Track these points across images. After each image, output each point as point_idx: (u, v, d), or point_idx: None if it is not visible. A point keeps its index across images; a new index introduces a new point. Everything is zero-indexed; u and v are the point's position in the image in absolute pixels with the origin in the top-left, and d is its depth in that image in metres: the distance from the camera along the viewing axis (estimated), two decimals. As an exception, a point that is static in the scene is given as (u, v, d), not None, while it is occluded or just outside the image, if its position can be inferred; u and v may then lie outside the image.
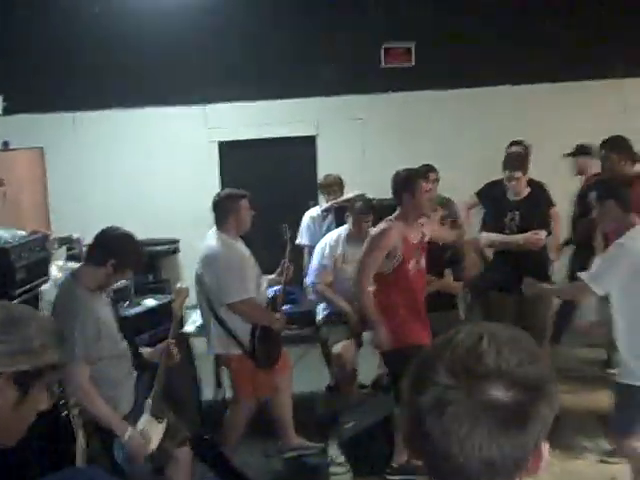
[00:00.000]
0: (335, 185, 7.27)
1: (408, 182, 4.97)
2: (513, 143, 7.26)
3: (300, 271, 6.70)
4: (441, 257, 6.01)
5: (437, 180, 6.98)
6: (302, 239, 7.08)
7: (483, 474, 1.16)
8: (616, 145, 6.10)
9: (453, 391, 1.16)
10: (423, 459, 1.21)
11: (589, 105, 8.95)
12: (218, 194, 5.34)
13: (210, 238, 5.11)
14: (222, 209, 5.12)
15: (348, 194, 7.03)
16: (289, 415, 5.43)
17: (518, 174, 6.00)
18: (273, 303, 5.33)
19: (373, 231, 5.09)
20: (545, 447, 1.23)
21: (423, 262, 5.08)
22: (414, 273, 4.98)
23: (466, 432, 1.14)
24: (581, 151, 7.13)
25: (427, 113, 9.10)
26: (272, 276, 5.56)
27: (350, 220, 6.16)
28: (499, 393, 1.15)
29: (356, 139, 9.12)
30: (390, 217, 4.93)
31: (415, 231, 5.01)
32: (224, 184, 8.50)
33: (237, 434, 5.21)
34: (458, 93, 9.09)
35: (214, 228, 5.16)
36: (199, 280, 5.09)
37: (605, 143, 6.21)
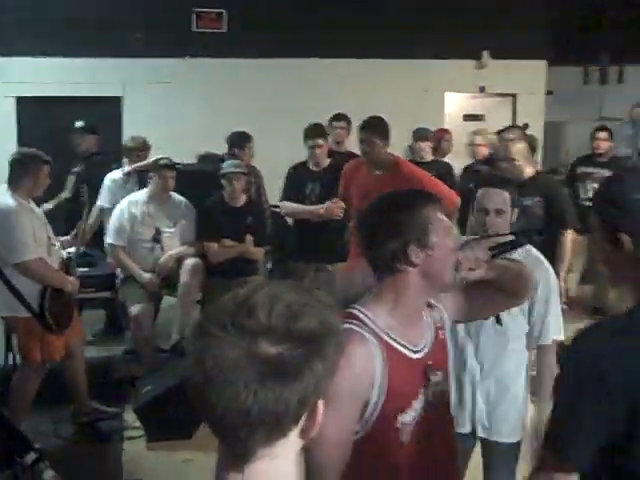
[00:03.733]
0: (140, 148, 7.13)
1: (406, 212, 2.24)
2: (336, 117, 7.24)
3: (101, 233, 6.57)
4: (241, 222, 6.06)
5: (251, 147, 7.01)
6: (102, 201, 6.92)
7: (241, 426, 1.17)
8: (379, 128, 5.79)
9: (217, 341, 1.17)
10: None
11: (389, 85, 9.32)
12: (19, 152, 5.08)
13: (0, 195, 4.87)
14: (20, 168, 4.89)
15: (152, 158, 6.94)
16: (82, 380, 5.31)
17: (320, 141, 6.16)
18: (66, 265, 5.14)
19: None
20: (320, 408, 1.24)
21: (446, 395, 2.38)
22: (414, 432, 2.21)
23: (223, 382, 1.15)
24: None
25: (238, 81, 9.12)
26: (68, 237, 5.41)
27: (153, 179, 6.08)
28: (263, 346, 1.16)
29: (163, 103, 9.00)
30: (356, 306, 2.23)
31: (419, 326, 2.29)
32: (22, 141, 8.15)
33: (26, 400, 5.02)
34: (273, 62, 9.17)
35: (5, 185, 4.92)
36: None
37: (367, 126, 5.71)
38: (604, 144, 7.37)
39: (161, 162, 6.11)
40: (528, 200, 5.28)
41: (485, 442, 3.33)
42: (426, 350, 2.23)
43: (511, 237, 2.89)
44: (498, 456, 3.33)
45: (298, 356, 1.17)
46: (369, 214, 2.24)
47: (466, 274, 2.28)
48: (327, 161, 6.25)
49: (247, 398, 1.15)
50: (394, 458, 2.17)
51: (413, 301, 2.20)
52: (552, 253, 5.26)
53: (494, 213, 3.26)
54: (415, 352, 2.20)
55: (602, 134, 7.42)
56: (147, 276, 5.95)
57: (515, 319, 3.19)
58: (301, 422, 1.23)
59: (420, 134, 7.48)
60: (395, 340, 2.15)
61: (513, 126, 7.85)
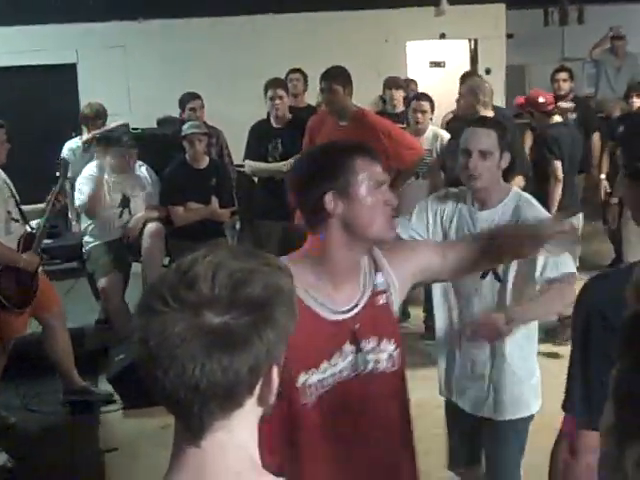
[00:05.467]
0: (97, 115, 6.99)
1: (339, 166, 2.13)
2: (292, 71, 7.28)
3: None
4: (206, 183, 5.98)
5: (202, 107, 6.91)
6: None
7: (192, 401, 1.14)
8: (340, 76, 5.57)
9: (160, 316, 1.14)
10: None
11: (350, 36, 9.21)
12: None
13: None
14: None
15: (111, 124, 6.80)
16: (65, 356, 5.20)
17: (280, 91, 6.09)
18: (27, 240, 4.95)
19: None
20: (275, 374, 1.21)
21: (382, 363, 2.18)
22: (326, 398, 2.11)
23: (169, 357, 1.12)
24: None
25: (193, 41, 8.95)
26: (43, 205, 5.24)
27: (114, 153, 5.94)
28: (208, 317, 1.13)
29: (119, 67, 8.82)
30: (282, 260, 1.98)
31: (349, 287, 2.15)
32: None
33: None
34: (228, 20, 9.02)
35: None
36: None
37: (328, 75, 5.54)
38: (565, 84, 7.32)
39: (123, 139, 5.95)
40: None
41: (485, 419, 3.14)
42: (354, 313, 2.10)
43: None
44: (497, 433, 3.13)
45: (245, 324, 1.13)
46: (299, 162, 2.21)
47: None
48: (288, 116, 6.17)
49: (194, 372, 1.11)
50: (296, 420, 2.05)
51: (339, 257, 2.07)
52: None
53: (477, 154, 2.94)
54: (336, 313, 2.08)
55: (562, 74, 7.37)
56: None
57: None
58: (257, 390, 1.20)
59: (393, 82, 7.34)
60: (313, 298, 2.05)
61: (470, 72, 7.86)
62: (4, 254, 4.76)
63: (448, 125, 6.87)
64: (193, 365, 1.11)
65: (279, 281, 1.21)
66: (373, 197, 2.03)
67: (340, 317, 2.07)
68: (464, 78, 7.72)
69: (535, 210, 2.98)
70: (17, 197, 5.00)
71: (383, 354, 2.15)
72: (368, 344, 2.11)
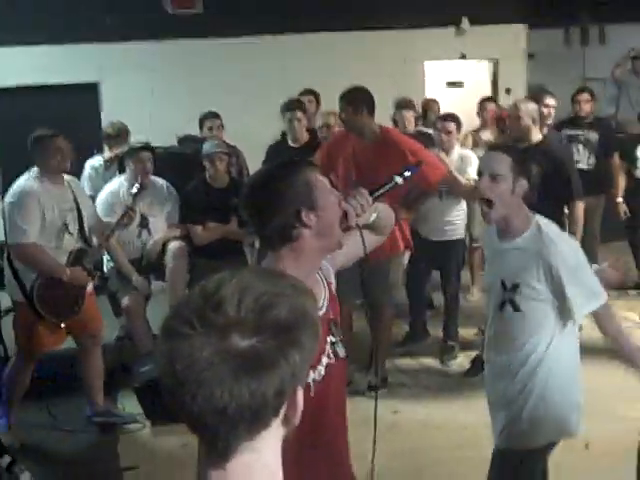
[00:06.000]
0: (119, 134, 7.05)
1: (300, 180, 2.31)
2: (304, 92, 7.33)
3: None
4: (225, 203, 5.99)
5: (221, 126, 6.96)
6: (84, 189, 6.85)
7: (220, 424, 1.14)
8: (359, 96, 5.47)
9: (186, 340, 1.13)
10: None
11: (369, 55, 9.25)
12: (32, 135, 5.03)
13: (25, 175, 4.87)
14: (32, 149, 4.85)
15: (133, 143, 6.86)
16: (95, 378, 5.20)
17: (299, 114, 6.12)
18: (76, 256, 4.95)
19: None
20: (300, 395, 1.22)
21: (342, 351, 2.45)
22: (323, 387, 2.31)
23: (196, 382, 1.12)
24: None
25: (216, 60, 9.04)
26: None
27: (130, 164, 5.98)
28: (235, 341, 1.12)
29: (142, 87, 8.91)
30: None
31: (316, 286, 2.37)
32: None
33: (17, 390, 4.99)
34: (250, 40, 9.09)
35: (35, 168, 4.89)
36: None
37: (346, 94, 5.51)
38: (586, 106, 7.31)
39: (136, 145, 6.02)
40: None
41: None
42: (324, 307, 2.32)
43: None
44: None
45: (271, 348, 1.14)
46: (251, 192, 2.28)
47: (356, 221, 2.31)
48: (305, 137, 6.20)
49: (222, 396, 1.11)
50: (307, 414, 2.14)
51: (311, 263, 2.26)
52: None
53: (488, 177, 2.96)
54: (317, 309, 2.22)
55: (583, 96, 7.36)
56: (140, 279, 5.87)
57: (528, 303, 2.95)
58: (282, 411, 1.20)
59: (403, 103, 7.37)
60: None
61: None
62: (47, 263, 4.77)
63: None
64: (221, 389, 1.11)
65: (304, 304, 1.22)
66: (332, 202, 2.24)
67: (320, 312, 2.21)
68: (484, 102, 7.77)
69: (558, 245, 2.91)
70: (82, 208, 5.02)
71: (341, 340, 2.39)
72: (338, 332, 2.36)
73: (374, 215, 2.40)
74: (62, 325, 4.92)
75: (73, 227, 4.94)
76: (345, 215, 2.27)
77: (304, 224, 2.18)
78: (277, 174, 2.28)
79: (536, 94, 6.77)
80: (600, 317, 2.95)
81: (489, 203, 2.94)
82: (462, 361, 5.95)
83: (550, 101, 6.56)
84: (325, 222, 2.22)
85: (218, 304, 1.15)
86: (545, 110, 6.36)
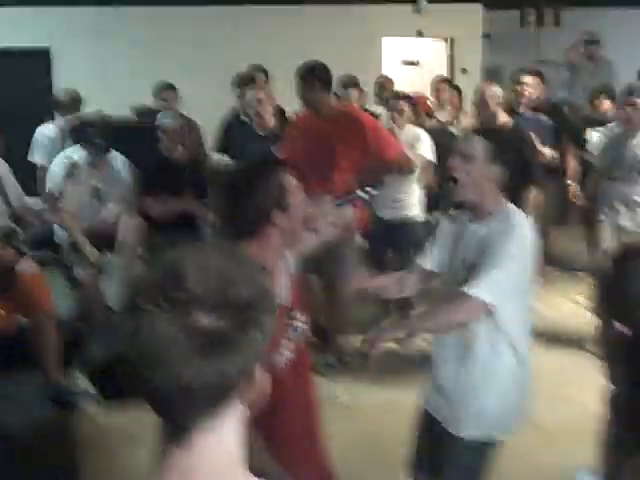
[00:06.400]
0: (73, 102, 6.91)
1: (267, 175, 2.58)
2: (255, 69, 7.19)
3: (36, 191, 6.38)
4: (181, 175, 5.91)
5: (175, 98, 6.87)
6: (37, 157, 6.71)
7: (182, 402, 1.14)
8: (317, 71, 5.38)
9: (150, 316, 1.12)
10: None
11: (325, 30, 9.20)
12: None
13: None
14: None
15: (86, 111, 6.74)
16: (50, 354, 5.09)
17: (261, 95, 5.99)
18: (8, 234, 4.87)
19: None
20: (258, 371, 1.22)
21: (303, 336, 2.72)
22: (290, 373, 2.60)
23: (161, 357, 1.11)
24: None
25: (171, 28, 8.90)
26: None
27: (85, 149, 5.89)
28: (198, 319, 1.12)
29: (95, 54, 8.73)
30: None
31: (280, 276, 2.63)
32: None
33: None
34: (206, 10, 8.97)
35: None
36: None
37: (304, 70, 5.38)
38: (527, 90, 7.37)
39: (96, 141, 5.87)
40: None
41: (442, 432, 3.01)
42: (284, 295, 2.57)
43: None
44: (451, 452, 2.99)
45: (235, 326, 1.14)
46: (229, 188, 2.55)
47: (324, 231, 2.72)
48: (273, 120, 5.99)
49: (187, 374, 1.11)
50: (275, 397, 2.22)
51: (273, 256, 2.52)
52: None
53: (459, 157, 2.95)
54: (279, 298, 2.46)
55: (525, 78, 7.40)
56: (97, 254, 5.78)
57: None
58: (241, 390, 1.21)
59: (347, 80, 7.15)
60: None
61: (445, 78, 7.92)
62: None
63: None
64: (186, 367, 1.11)
65: (263, 282, 1.22)
66: (299, 203, 2.51)
67: (280, 300, 2.46)
68: (439, 82, 7.79)
69: (502, 238, 2.84)
70: (7, 188, 4.89)
71: (305, 325, 2.65)
72: (302, 317, 2.61)
73: (334, 219, 2.80)
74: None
75: None
76: (309, 218, 2.59)
77: (273, 223, 2.46)
78: (255, 174, 2.53)
79: (515, 72, 6.75)
80: (460, 298, 2.81)
81: (455, 181, 2.95)
82: (422, 344, 5.97)
83: (524, 79, 6.53)
84: (292, 223, 2.50)
85: (180, 280, 1.14)
86: (518, 87, 6.41)
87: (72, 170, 5.83)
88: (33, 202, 5.22)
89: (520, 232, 2.87)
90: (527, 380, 3.03)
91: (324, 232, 2.70)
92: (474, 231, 2.97)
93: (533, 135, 6.17)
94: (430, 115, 7.11)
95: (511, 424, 3.02)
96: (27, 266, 4.99)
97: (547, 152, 6.19)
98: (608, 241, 5.73)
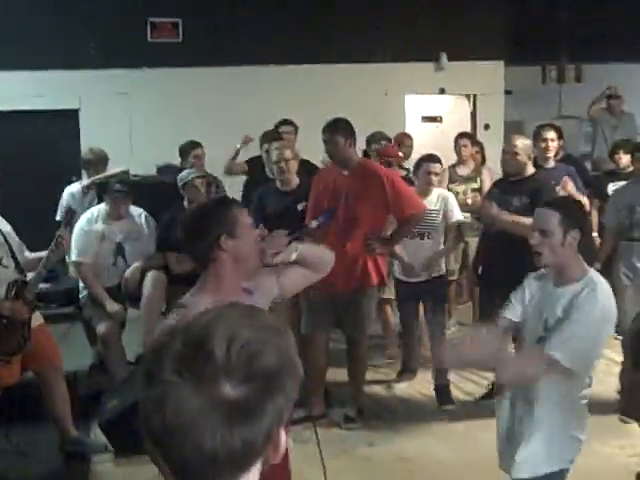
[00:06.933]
0: (98, 160, 7.06)
1: (221, 215, 2.83)
2: (282, 122, 7.33)
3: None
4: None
5: (204, 155, 6.98)
6: (61, 216, 6.83)
7: (208, 470, 1.14)
8: (341, 128, 5.47)
9: (175, 388, 1.12)
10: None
11: (349, 88, 9.33)
12: None
13: None
14: None
15: (111, 170, 6.87)
16: (61, 408, 5.10)
17: (287, 153, 5.84)
18: (16, 288, 4.82)
19: None
20: (282, 435, 1.22)
21: None
22: None
23: (187, 430, 1.11)
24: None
25: (194, 89, 9.07)
26: (40, 254, 5.15)
27: (108, 201, 5.99)
28: (225, 390, 1.12)
29: (122, 114, 8.92)
30: (185, 297, 2.85)
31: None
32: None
33: None
34: (230, 70, 9.14)
35: None
36: None
37: (329, 126, 5.48)
38: (552, 144, 7.43)
39: (114, 187, 5.98)
40: (516, 200, 5.36)
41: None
42: None
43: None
44: None
45: (260, 396, 1.14)
46: (188, 218, 2.89)
47: (272, 258, 2.87)
48: (295, 180, 5.86)
49: (213, 444, 1.11)
50: None
51: (229, 284, 2.76)
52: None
53: (539, 233, 3.22)
54: None
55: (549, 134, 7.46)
56: (115, 307, 5.83)
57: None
58: (263, 454, 1.21)
59: (378, 137, 7.37)
60: None
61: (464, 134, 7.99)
62: None
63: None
64: (212, 437, 1.11)
65: (287, 347, 1.22)
66: (250, 235, 2.80)
67: None
68: (461, 138, 7.85)
69: (586, 306, 3.06)
70: (11, 243, 4.93)
71: None
72: None
73: (294, 254, 2.92)
74: (12, 360, 4.79)
75: (7, 260, 4.84)
76: (262, 252, 2.83)
77: (221, 247, 2.72)
78: (210, 206, 2.98)
79: (537, 129, 6.76)
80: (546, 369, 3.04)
81: (539, 255, 3.22)
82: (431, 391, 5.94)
83: (549, 134, 6.56)
84: (241, 250, 2.76)
85: (206, 353, 1.14)
86: (543, 144, 6.44)
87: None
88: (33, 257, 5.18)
89: (603, 297, 3.09)
90: None
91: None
92: (559, 295, 3.19)
93: (568, 180, 6.24)
94: (401, 166, 7.14)
95: None
96: (40, 319, 5.04)
97: (583, 199, 6.17)
98: (630, 302, 5.69)
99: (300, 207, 5.63)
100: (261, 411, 1.14)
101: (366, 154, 7.46)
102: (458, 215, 6.10)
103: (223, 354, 1.13)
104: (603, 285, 3.15)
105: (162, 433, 1.13)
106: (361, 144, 6.80)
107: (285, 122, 7.27)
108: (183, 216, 2.96)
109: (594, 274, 3.21)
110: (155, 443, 1.15)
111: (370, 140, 7.22)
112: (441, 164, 6.22)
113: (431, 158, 6.10)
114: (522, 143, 5.52)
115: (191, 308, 2.60)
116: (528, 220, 5.22)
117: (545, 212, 3.24)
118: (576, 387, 3.16)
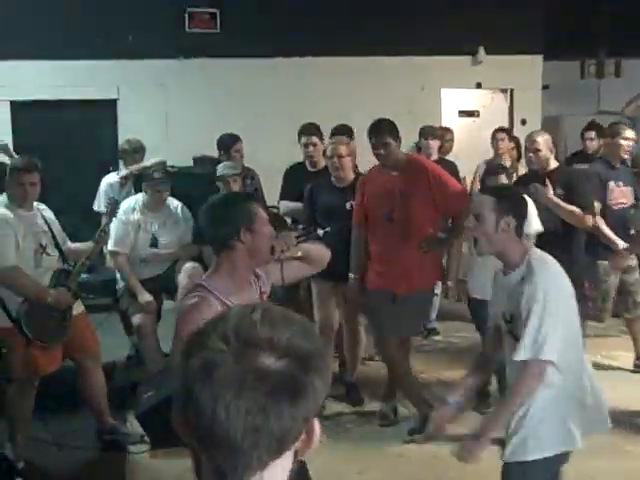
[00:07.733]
0: (136, 150, 7.10)
1: (239, 211, 3.06)
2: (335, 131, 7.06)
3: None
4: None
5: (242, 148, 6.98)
6: (99, 206, 6.88)
7: (247, 440, 1.12)
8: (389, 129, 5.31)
9: (222, 355, 1.14)
10: (192, 428, 1.16)
11: (386, 81, 9.29)
12: (9, 162, 5.02)
13: None
14: (5, 178, 4.84)
15: (148, 160, 6.90)
16: (98, 397, 5.20)
17: (314, 139, 6.11)
18: (57, 277, 4.90)
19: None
20: (316, 423, 1.22)
21: None
22: None
23: (233, 396, 1.11)
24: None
25: (232, 80, 9.09)
26: (80, 245, 5.23)
27: (148, 191, 6.02)
28: (269, 361, 1.13)
29: (159, 105, 8.96)
30: (202, 279, 3.08)
31: (247, 288, 3.10)
32: (18, 146, 8.07)
33: (21, 414, 4.91)
34: (268, 62, 9.14)
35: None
36: None
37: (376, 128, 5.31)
38: (592, 143, 7.34)
39: (154, 176, 6.00)
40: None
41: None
42: None
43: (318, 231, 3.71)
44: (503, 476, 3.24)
45: (301, 372, 1.16)
46: (210, 207, 3.08)
47: (280, 255, 3.13)
48: (323, 162, 6.04)
49: (257, 414, 1.11)
50: None
51: (242, 271, 3.03)
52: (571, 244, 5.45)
53: (473, 217, 3.24)
54: None
55: (590, 133, 7.37)
56: (147, 297, 5.86)
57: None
58: (297, 442, 1.20)
59: (429, 131, 7.42)
60: (231, 302, 2.87)
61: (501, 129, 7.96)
62: (29, 288, 4.71)
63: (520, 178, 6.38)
64: (256, 407, 1.11)
65: (321, 345, 1.24)
66: (265, 231, 3.03)
67: None
68: (497, 132, 7.81)
69: (528, 295, 3.04)
70: (55, 232, 5.01)
71: None
72: None
73: (299, 252, 3.24)
74: (52, 347, 4.85)
75: (51, 249, 4.91)
76: (273, 247, 3.08)
77: (240, 239, 2.95)
78: (236, 198, 3.32)
79: (614, 126, 6.64)
80: (521, 370, 3.05)
81: (475, 240, 3.29)
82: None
83: (629, 134, 6.38)
84: (256, 244, 3.00)
85: (251, 325, 1.17)
86: (624, 143, 6.30)
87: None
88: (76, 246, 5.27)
89: (541, 279, 3.03)
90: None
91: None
92: (506, 284, 3.19)
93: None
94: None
95: None
96: (80, 308, 5.10)
97: None
98: None
99: (348, 206, 5.61)
100: (302, 388, 1.15)
101: (418, 149, 7.48)
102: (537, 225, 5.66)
103: (267, 327, 1.17)
104: (542, 267, 3.08)
105: (208, 400, 1.13)
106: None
107: (342, 129, 6.82)
108: (209, 202, 3.12)
109: (533, 257, 3.12)
110: (196, 411, 1.14)
111: (423, 134, 7.29)
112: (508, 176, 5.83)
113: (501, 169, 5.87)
114: (542, 138, 5.54)
115: (209, 288, 2.93)
116: (571, 207, 5.30)
117: (480, 197, 3.30)
118: (570, 376, 3.10)
